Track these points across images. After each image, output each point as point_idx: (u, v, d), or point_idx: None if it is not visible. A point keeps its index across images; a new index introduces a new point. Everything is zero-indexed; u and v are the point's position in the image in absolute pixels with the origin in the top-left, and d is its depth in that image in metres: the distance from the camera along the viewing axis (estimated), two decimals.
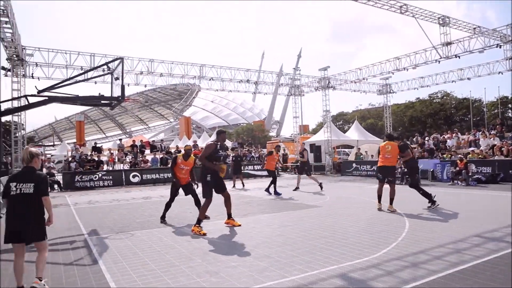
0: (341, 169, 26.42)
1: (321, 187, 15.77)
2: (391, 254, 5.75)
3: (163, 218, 9.13)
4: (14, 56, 19.97)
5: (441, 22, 19.87)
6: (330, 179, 22.70)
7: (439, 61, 22.17)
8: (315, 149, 29.38)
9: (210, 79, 26.63)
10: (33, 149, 5.16)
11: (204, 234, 7.48)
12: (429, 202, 10.06)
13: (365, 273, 4.97)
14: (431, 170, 19.16)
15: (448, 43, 20.93)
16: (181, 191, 9.22)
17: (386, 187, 9.87)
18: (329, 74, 29.54)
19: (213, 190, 7.88)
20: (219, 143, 8.05)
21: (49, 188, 18.44)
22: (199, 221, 7.83)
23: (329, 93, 29.42)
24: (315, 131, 54.10)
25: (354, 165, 25.11)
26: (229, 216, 8.36)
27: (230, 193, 8.42)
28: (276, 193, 14.52)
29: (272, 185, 14.95)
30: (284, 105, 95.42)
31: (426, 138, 25.27)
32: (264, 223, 8.48)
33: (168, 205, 9.18)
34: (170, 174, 9.00)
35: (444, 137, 24.38)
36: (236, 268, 5.29)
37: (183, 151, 9.42)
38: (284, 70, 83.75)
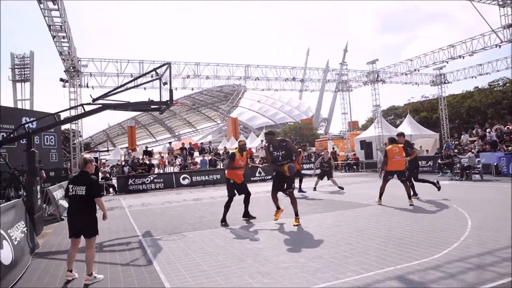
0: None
1: (341, 188, 15.30)
2: (453, 255, 5.44)
3: (223, 221, 8.80)
4: (71, 68, 21.24)
5: (501, 3, 18.63)
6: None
7: (499, 46, 20.82)
8: (366, 145, 28.68)
9: (255, 79, 26.82)
10: (87, 156, 5.65)
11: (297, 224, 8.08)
12: (437, 186, 11.40)
13: (425, 275, 4.74)
14: (495, 164, 18.00)
15: (510, 25, 19.57)
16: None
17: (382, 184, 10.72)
18: (378, 67, 28.89)
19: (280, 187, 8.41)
20: (270, 145, 8.33)
21: (103, 190, 19.50)
22: (297, 213, 8.29)
23: (379, 87, 28.77)
24: (365, 127, 52.71)
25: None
26: (296, 214, 8.42)
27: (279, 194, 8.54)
28: (300, 190, 14.52)
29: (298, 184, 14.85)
30: (332, 101, 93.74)
31: (488, 130, 23.77)
32: (316, 223, 8.36)
33: (227, 207, 8.91)
34: (226, 172, 8.92)
35: (508, 127, 22.81)
36: (288, 269, 5.25)
37: (237, 146, 9.49)
38: (330, 66, 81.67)
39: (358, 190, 15.07)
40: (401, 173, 10.44)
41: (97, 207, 5.49)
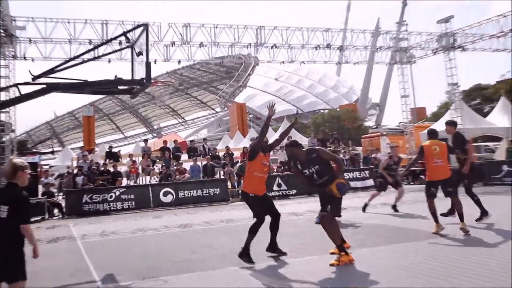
0: (482, 175, 25.19)
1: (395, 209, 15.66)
2: None
3: (245, 255, 8.77)
4: (1, 30, 21.32)
5: None
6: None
7: None
8: None
9: (272, 47, 26.77)
10: (17, 161, 5.56)
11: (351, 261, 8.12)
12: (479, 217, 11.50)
13: None
14: None
15: None
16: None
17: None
18: (454, 27, 28.80)
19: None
20: (297, 161, 8.66)
21: (46, 213, 19.46)
22: (341, 247, 8.28)
23: (456, 56, 28.67)
24: (436, 117, 52.25)
25: (505, 167, 24.04)
26: (340, 248, 8.49)
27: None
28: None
29: None
30: (386, 79, 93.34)
31: None
32: (368, 262, 8.17)
33: (254, 231, 8.74)
34: (242, 176, 9.24)
35: None
36: None
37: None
38: (382, 27, 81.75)
39: (427, 212, 14.82)
40: (447, 182, 10.58)
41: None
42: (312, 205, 18.80)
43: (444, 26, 28.55)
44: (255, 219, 8.90)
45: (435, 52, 29.87)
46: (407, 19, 65.65)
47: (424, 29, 53.19)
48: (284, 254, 9.16)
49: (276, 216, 9.16)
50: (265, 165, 9.07)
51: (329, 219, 8.42)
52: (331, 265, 8.07)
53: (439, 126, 30.22)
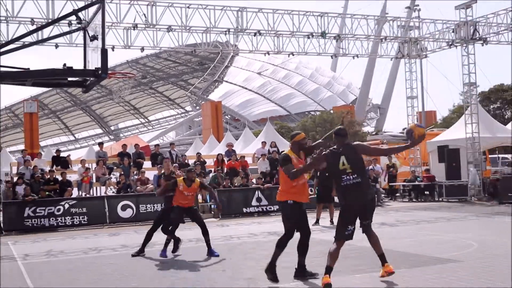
0: (498, 192, 25.55)
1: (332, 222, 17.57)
2: None
3: (271, 271, 9.12)
4: None
5: None
6: (478, 210, 22.06)
7: None
8: (449, 155, 28.68)
9: (255, 34, 26.86)
10: None
11: None
12: None
13: None
14: None
15: None
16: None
17: None
18: (475, 15, 28.64)
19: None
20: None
21: None
22: (329, 270, 8.39)
23: (475, 50, 28.66)
24: (447, 123, 52.81)
25: None
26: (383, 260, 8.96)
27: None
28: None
29: None
30: (390, 76, 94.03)
31: None
32: None
33: (283, 246, 9.17)
34: (279, 191, 9.56)
35: None
36: None
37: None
38: (390, 12, 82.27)
39: (432, 234, 15.07)
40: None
41: None
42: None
43: (464, 13, 28.22)
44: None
45: (451, 44, 29.81)
46: (419, 3, 65.97)
47: (439, 16, 53.55)
48: (315, 275, 9.24)
49: (307, 234, 9.29)
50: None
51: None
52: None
53: (452, 133, 30.59)
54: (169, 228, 12.70)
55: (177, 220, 12.85)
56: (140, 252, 12.97)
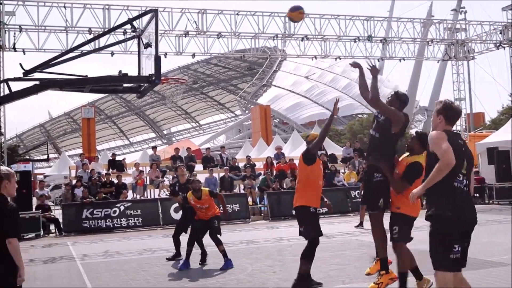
0: None
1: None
2: None
3: (309, 283, 8.89)
4: None
5: None
6: None
7: None
8: (498, 156, 28.09)
9: (302, 39, 26.82)
10: (3, 169, 5.66)
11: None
12: None
13: None
14: None
15: None
16: None
17: None
18: None
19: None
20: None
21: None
22: (385, 265, 7.95)
23: None
24: (496, 124, 51.68)
25: None
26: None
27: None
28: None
29: None
30: (437, 78, 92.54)
31: None
32: None
33: (311, 256, 8.78)
34: (296, 194, 8.86)
35: None
36: None
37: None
38: (435, 14, 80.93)
39: (483, 237, 14.74)
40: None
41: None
42: (346, 226, 18.85)
43: (511, 13, 28.16)
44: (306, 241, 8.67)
45: (499, 46, 29.53)
46: (466, 5, 64.89)
47: (487, 17, 52.58)
48: (320, 284, 9.06)
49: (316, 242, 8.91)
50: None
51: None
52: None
53: (501, 135, 29.94)
54: (191, 240, 11.97)
55: (196, 235, 12.07)
56: (176, 256, 12.84)
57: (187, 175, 12.94)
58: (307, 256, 8.56)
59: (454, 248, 5.68)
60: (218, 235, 11.83)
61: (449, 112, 5.84)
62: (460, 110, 5.94)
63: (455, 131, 6.36)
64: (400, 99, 8.22)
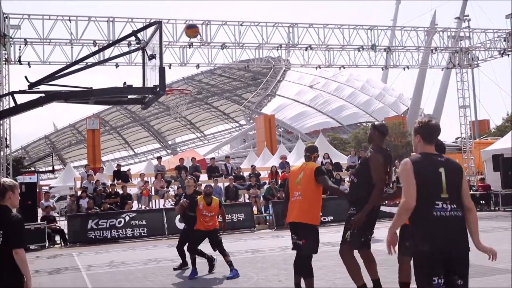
0: None
1: None
2: None
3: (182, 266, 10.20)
4: None
5: None
6: None
7: None
8: (504, 163, 28.03)
9: (306, 48, 26.86)
10: (7, 180, 5.77)
11: None
12: None
13: None
14: None
15: None
16: None
17: None
18: None
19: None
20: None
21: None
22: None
23: None
24: (501, 131, 51.61)
25: None
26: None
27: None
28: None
29: None
30: (441, 86, 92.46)
31: None
32: None
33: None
34: (308, 210, 8.46)
35: None
36: None
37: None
38: (439, 22, 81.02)
39: (489, 244, 14.71)
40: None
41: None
42: None
43: None
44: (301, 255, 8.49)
45: (503, 53, 29.48)
46: (469, 13, 65.20)
47: (490, 25, 52.70)
48: None
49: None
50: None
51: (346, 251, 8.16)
52: None
53: (505, 142, 29.92)
54: (191, 248, 12.08)
55: (193, 244, 12.07)
56: (183, 265, 12.92)
57: (194, 186, 12.87)
58: (310, 273, 8.43)
59: (433, 281, 5.22)
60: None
61: (425, 130, 5.56)
62: (438, 126, 5.59)
63: (444, 142, 6.36)
64: (378, 130, 8.35)
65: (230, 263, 11.61)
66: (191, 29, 12.69)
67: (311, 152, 9.03)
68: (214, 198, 12.25)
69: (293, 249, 8.59)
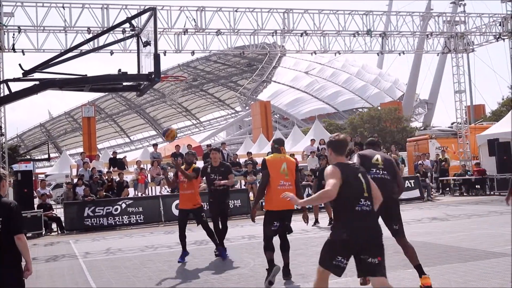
0: None
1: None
2: None
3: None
4: None
5: None
6: None
7: None
8: (499, 148, 28.08)
9: (301, 34, 26.79)
10: (1, 170, 6.04)
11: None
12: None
13: None
14: None
15: None
16: None
17: None
18: None
19: None
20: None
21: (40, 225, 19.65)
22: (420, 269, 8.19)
23: None
24: (496, 116, 51.68)
25: None
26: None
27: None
28: None
29: None
30: (437, 71, 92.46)
31: None
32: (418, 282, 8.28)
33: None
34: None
35: None
36: None
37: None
38: (435, 8, 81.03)
39: (485, 228, 14.78)
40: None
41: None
42: None
43: (511, 5, 27.73)
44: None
45: (498, 37, 29.37)
46: None
47: (486, 9, 52.60)
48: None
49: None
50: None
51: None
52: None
53: (502, 127, 29.94)
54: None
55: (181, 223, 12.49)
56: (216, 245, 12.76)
57: (220, 158, 13.02)
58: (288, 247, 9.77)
59: (337, 258, 6.17)
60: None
61: (334, 144, 6.47)
62: (345, 140, 6.53)
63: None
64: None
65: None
66: (167, 135, 12.63)
67: (279, 144, 9.89)
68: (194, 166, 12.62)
69: (277, 234, 9.64)
